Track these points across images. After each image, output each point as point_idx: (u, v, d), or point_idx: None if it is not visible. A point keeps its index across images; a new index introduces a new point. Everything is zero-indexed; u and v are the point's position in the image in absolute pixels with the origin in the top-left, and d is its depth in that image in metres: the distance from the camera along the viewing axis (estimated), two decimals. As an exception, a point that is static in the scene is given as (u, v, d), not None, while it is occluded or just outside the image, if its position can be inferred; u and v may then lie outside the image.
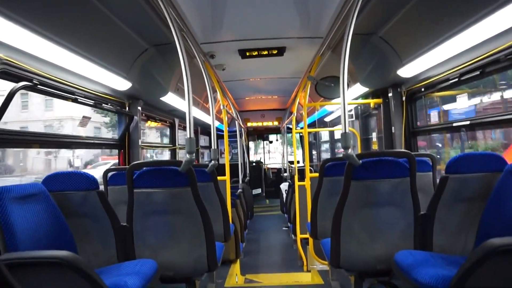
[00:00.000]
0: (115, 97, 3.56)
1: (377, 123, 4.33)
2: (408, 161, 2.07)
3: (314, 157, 9.21)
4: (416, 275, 1.66)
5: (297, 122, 7.78)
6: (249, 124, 8.87)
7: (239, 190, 5.24)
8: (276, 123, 8.84)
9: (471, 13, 2.16)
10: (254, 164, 10.30)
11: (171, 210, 2.21)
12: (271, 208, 9.08)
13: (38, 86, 2.45)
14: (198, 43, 3.11)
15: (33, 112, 18.32)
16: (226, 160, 4.04)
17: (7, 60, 2.14)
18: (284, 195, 6.72)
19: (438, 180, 2.11)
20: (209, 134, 8.00)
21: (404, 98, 3.78)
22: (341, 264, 2.19)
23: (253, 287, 3.56)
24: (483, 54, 2.51)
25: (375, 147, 4.48)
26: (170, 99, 4.03)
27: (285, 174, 7.83)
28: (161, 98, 3.91)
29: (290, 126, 7.29)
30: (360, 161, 2.03)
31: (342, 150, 2.02)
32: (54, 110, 19.44)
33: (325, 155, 8.46)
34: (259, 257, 4.73)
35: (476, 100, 3.43)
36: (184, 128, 3.07)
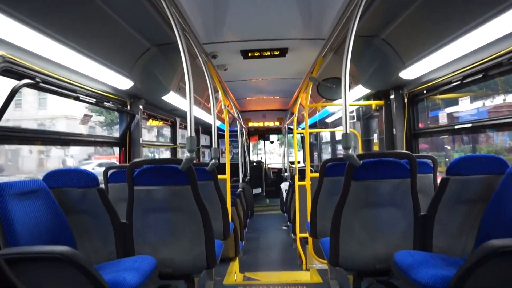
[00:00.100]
0: (116, 95, 3.58)
1: (379, 124, 4.33)
2: (409, 162, 2.08)
3: (315, 157, 9.22)
4: (415, 275, 1.66)
5: (298, 122, 7.78)
6: (250, 124, 8.88)
7: (239, 189, 5.25)
8: (277, 123, 8.85)
9: (473, 16, 2.16)
10: (254, 164, 10.32)
11: (171, 208, 2.21)
12: (271, 207, 9.10)
13: (41, 84, 2.46)
14: (201, 43, 3.12)
15: (26, 111, 18.14)
16: (226, 159, 4.05)
17: (10, 58, 2.15)
18: (284, 195, 6.73)
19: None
20: (210, 134, 8.01)
21: (406, 100, 3.78)
22: (340, 263, 2.20)
23: (252, 285, 3.57)
24: (486, 58, 2.51)
25: (376, 148, 4.48)
26: (172, 98, 4.04)
27: (286, 174, 7.84)
28: (162, 97, 3.92)
29: (291, 127, 7.30)
30: (361, 162, 2.04)
31: (343, 151, 2.03)
32: (48, 109, 19.35)
33: (326, 156, 8.46)
34: (259, 256, 4.74)
35: (479, 103, 3.42)
36: (185, 127, 3.08)
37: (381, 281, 2.30)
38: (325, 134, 8.55)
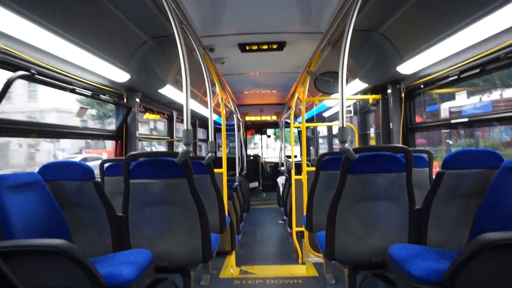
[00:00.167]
0: (113, 88, 3.55)
1: (376, 119, 4.33)
2: (405, 156, 2.09)
3: (311, 152, 9.24)
4: (409, 268, 1.68)
5: (296, 116, 7.77)
6: (247, 118, 8.87)
7: (236, 183, 5.26)
8: (274, 117, 8.84)
9: (472, 11, 2.16)
10: (251, 157, 10.32)
11: (167, 201, 2.21)
12: (267, 201, 9.12)
13: (36, 76, 2.43)
14: (198, 36, 3.09)
15: (16, 104, 17.55)
16: (223, 153, 4.05)
17: (5, 49, 2.12)
18: (281, 189, 6.75)
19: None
20: (207, 127, 7.99)
21: (403, 95, 3.78)
22: (336, 256, 2.21)
23: (248, 279, 3.59)
24: (483, 52, 2.51)
25: (372, 142, 4.49)
26: (169, 91, 4.02)
27: (282, 168, 7.85)
28: (159, 90, 3.90)
29: (289, 121, 7.29)
30: (357, 155, 2.04)
31: (339, 145, 2.03)
32: (38, 102, 18.96)
33: (323, 151, 8.48)
34: (255, 249, 4.76)
35: (475, 98, 3.44)
36: (182, 121, 3.06)
37: (376, 274, 2.32)
38: (322, 129, 8.55)
